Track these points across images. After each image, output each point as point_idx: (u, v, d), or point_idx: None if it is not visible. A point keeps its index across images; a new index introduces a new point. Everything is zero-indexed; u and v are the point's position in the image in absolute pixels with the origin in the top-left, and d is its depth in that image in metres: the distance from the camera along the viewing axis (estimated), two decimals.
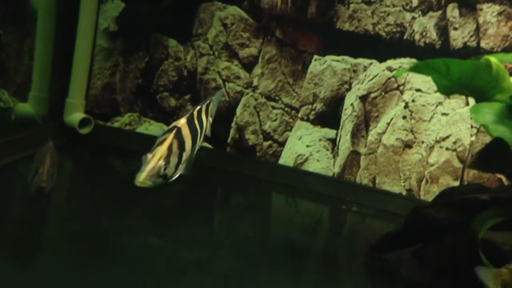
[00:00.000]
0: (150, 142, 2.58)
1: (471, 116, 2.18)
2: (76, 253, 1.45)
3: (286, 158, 2.42)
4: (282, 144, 2.43)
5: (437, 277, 1.74)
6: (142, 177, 0.92)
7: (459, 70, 1.31)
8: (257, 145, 2.45)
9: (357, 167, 2.35)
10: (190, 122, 1.03)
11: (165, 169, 0.93)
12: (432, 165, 2.24)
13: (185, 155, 0.99)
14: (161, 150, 0.94)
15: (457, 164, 2.20)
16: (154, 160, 0.93)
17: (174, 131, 0.99)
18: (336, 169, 2.37)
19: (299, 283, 1.60)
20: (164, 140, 0.97)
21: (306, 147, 2.41)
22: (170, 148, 0.95)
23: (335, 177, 2.37)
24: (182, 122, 1.02)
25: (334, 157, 2.38)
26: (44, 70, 2.32)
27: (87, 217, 1.24)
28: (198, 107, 1.12)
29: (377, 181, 2.32)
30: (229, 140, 2.49)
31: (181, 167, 0.97)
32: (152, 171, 0.92)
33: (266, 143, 2.45)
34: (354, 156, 2.35)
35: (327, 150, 2.39)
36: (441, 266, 1.68)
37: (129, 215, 1.70)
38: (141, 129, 2.55)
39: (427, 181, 2.25)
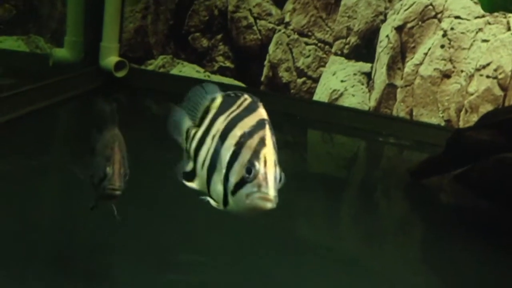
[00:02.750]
0: (184, 84, 2.60)
1: None
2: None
3: (321, 94, 2.41)
4: (316, 80, 2.41)
5: (479, 200, 1.73)
6: (272, 193, 0.66)
7: None
8: (291, 82, 2.44)
9: (393, 100, 2.32)
10: None
11: (280, 179, 0.69)
12: (472, 94, 2.19)
13: None
14: (271, 153, 0.68)
15: (498, 92, 2.14)
16: (271, 166, 0.67)
17: (267, 126, 0.71)
18: (372, 103, 2.34)
19: (339, 210, 1.63)
20: (264, 138, 0.69)
21: (340, 82, 2.38)
22: (275, 149, 0.70)
23: (371, 111, 2.35)
24: (265, 113, 0.74)
25: (369, 91, 2.34)
26: (77, 15, 2.33)
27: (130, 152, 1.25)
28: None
29: (414, 113, 2.29)
30: (262, 78, 2.47)
31: None
32: (275, 183, 0.67)
33: (300, 80, 2.43)
34: (390, 89, 2.31)
35: (362, 84, 2.35)
36: (483, 189, 1.66)
37: (169, 151, 1.73)
38: (174, 71, 2.56)
39: (466, 111, 2.20)
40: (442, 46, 2.21)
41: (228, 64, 2.50)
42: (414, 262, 1.38)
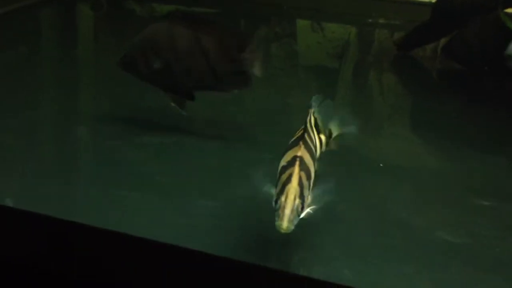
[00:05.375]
0: None
1: None
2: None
3: None
4: None
5: (465, 65, 1.75)
6: (285, 225, 0.82)
7: None
8: None
9: None
10: (307, 146, 0.90)
11: (302, 207, 0.84)
12: None
13: (311, 182, 0.88)
14: (293, 188, 0.84)
15: None
16: (290, 201, 0.83)
17: (297, 163, 0.86)
18: None
19: (335, 95, 1.64)
20: (291, 175, 0.85)
21: None
22: (300, 184, 0.84)
23: None
24: (301, 150, 0.88)
25: None
26: None
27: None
28: (307, 125, 0.94)
29: None
30: None
31: (310, 197, 0.87)
32: (292, 214, 0.83)
33: None
34: None
35: None
36: (467, 54, 1.65)
37: None
38: None
39: None
40: None
41: None
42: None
